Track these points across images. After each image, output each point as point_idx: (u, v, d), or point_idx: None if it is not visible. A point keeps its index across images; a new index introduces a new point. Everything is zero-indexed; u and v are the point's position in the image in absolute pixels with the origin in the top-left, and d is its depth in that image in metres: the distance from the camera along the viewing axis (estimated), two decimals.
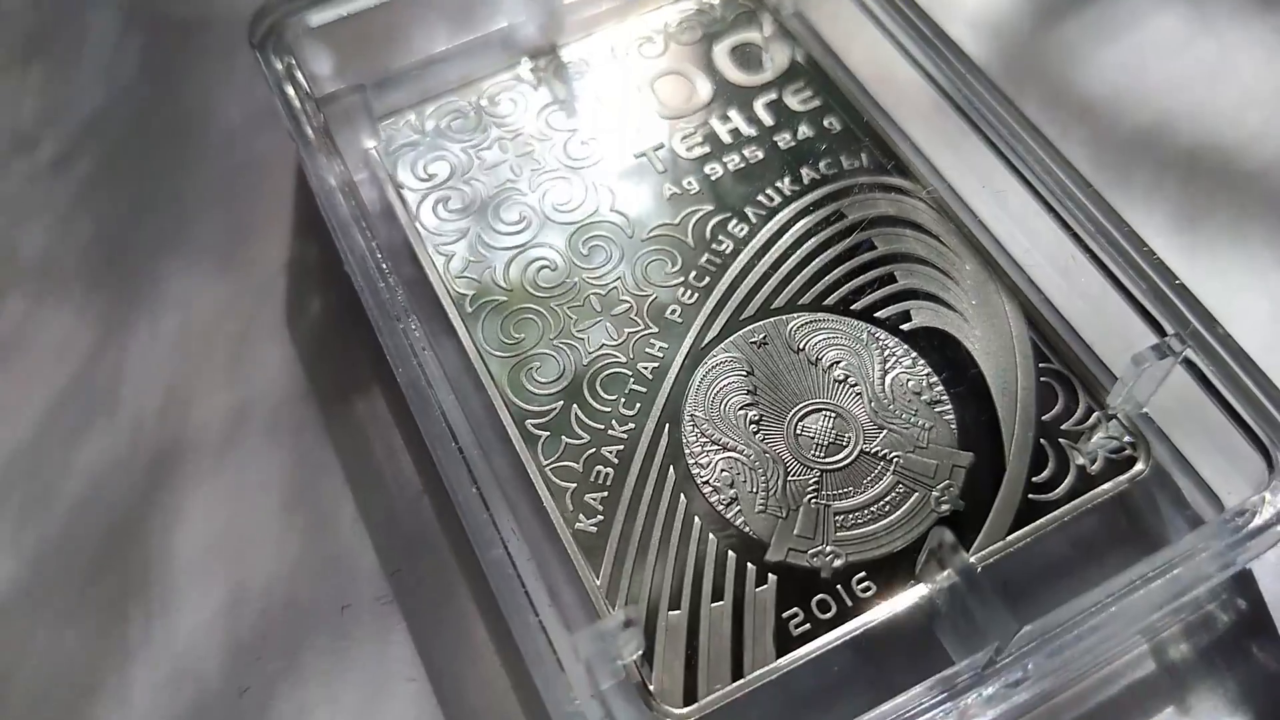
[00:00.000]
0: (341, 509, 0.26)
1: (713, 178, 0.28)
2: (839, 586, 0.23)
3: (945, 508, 0.23)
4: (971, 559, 0.21)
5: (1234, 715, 0.23)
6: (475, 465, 0.22)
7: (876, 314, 0.26)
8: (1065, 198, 0.25)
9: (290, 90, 0.28)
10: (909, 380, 0.25)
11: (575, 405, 0.25)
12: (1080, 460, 0.24)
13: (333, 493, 0.26)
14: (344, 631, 0.24)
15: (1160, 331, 0.23)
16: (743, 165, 0.29)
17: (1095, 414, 0.24)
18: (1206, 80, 0.32)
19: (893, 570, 0.23)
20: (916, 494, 0.24)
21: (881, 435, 0.24)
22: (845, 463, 0.24)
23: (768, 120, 0.29)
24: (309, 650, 0.24)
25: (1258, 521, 0.22)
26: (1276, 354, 0.24)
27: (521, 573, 0.21)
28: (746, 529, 0.23)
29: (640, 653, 0.22)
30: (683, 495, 0.24)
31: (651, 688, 0.22)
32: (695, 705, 0.22)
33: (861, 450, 0.24)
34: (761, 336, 0.26)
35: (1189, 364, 0.23)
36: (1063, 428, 0.24)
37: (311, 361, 0.28)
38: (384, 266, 0.25)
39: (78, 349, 0.29)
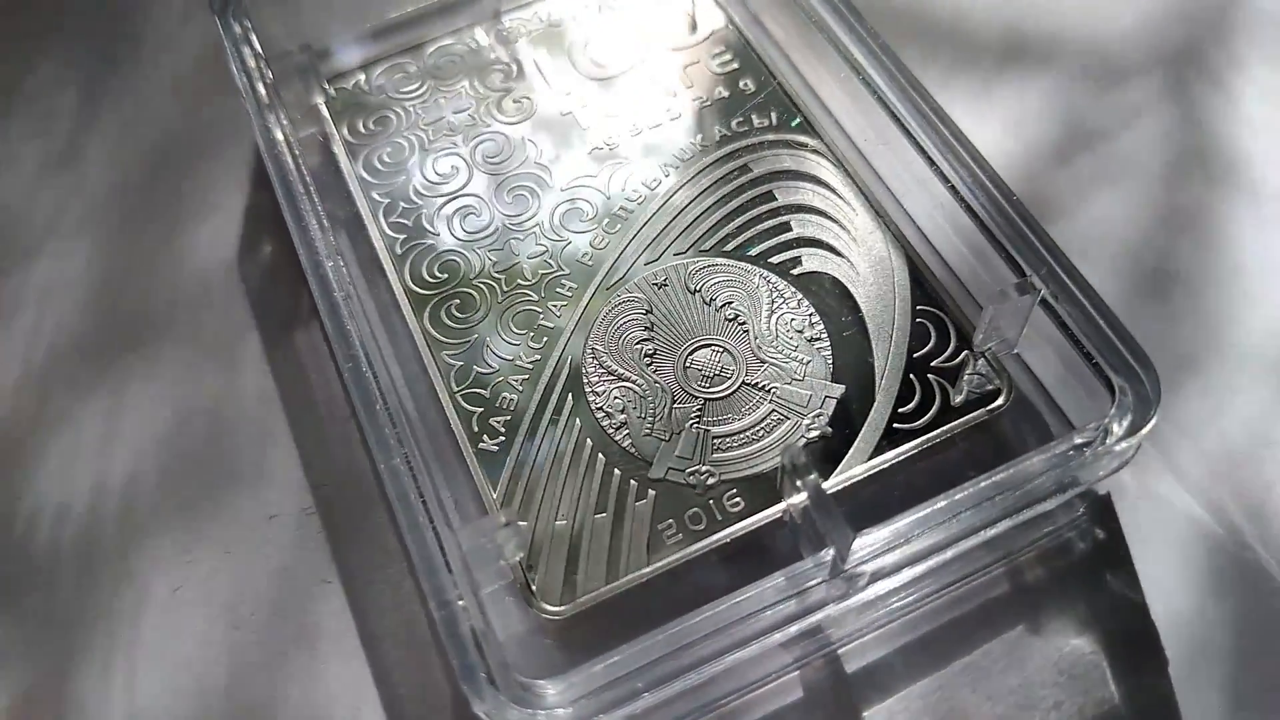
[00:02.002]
0: (277, 429, 0.28)
1: (632, 134, 0.31)
2: (711, 502, 0.25)
3: (814, 434, 0.25)
4: (816, 476, 0.23)
5: (1080, 636, 0.24)
6: (384, 386, 0.25)
7: (771, 259, 0.28)
8: (945, 150, 0.26)
9: (244, 51, 0.30)
10: (793, 320, 0.27)
11: (488, 338, 0.27)
12: (948, 394, 0.26)
13: (270, 415, 0.28)
14: (269, 537, 0.27)
15: (1021, 273, 0.25)
16: (660, 123, 0.31)
17: (964, 352, 0.26)
18: None
19: (760, 488, 0.25)
20: (789, 421, 0.26)
21: (762, 369, 0.26)
22: (727, 393, 0.26)
23: (688, 82, 0.31)
24: (236, 555, 0.27)
25: (1098, 446, 0.23)
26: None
27: (419, 480, 0.23)
28: (632, 450, 0.26)
29: (522, 554, 0.24)
30: (578, 420, 0.26)
31: (534, 588, 0.24)
32: (571, 604, 0.24)
33: (743, 382, 0.26)
34: (663, 279, 0.28)
35: (1046, 304, 0.25)
36: (932, 364, 0.26)
37: (257, 298, 0.30)
38: (319, 210, 0.27)
39: None
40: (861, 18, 0.29)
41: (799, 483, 0.23)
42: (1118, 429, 0.23)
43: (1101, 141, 0.32)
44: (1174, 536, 0.25)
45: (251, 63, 0.30)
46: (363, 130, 0.31)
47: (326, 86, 0.32)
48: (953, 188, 0.26)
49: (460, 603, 0.22)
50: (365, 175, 0.30)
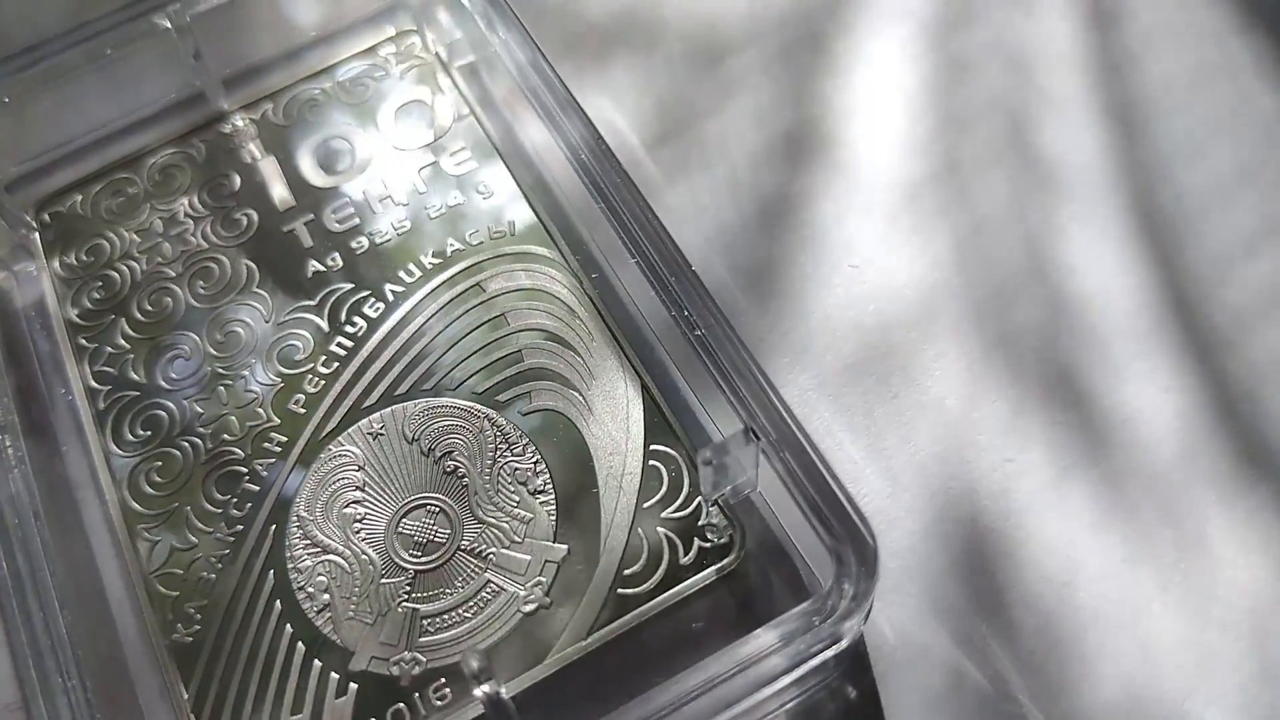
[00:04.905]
0: None
1: (358, 252, 0.28)
2: (416, 695, 0.22)
3: (531, 607, 0.23)
4: (490, 685, 0.20)
5: None
6: (57, 584, 0.22)
7: (499, 397, 0.25)
8: (670, 274, 0.24)
9: None
10: (517, 469, 0.25)
11: (189, 507, 0.25)
12: (677, 551, 0.23)
13: None
14: None
15: (742, 421, 0.23)
16: (389, 238, 0.28)
17: (696, 501, 0.24)
18: None
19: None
20: (506, 593, 0.23)
21: (480, 531, 0.24)
22: (439, 562, 0.24)
23: (421, 187, 0.29)
24: None
25: (826, 615, 0.21)
26: None
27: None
28: (334, 637, 0.23)
29: None
30: (278, 602, 0.24)
31: None
32: None
33: (459, 548, 0.24)
34: (379, 427, 0.25)
35: (768, 457, 0.22)
36: (663, 515, 0.24)
37: None
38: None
39: None
40: (592, 127, 0.26)
41: (478, 691, 0.21)
42: (848, 588, 0.21)
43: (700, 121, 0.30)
44: (933, 690, 0.23)
45: None
46: (74, 263, 0.29)
47: (29, 217, 0.29)
48: (675, 318, 0.24)
49: None
50: (73, 316, 0.28)
